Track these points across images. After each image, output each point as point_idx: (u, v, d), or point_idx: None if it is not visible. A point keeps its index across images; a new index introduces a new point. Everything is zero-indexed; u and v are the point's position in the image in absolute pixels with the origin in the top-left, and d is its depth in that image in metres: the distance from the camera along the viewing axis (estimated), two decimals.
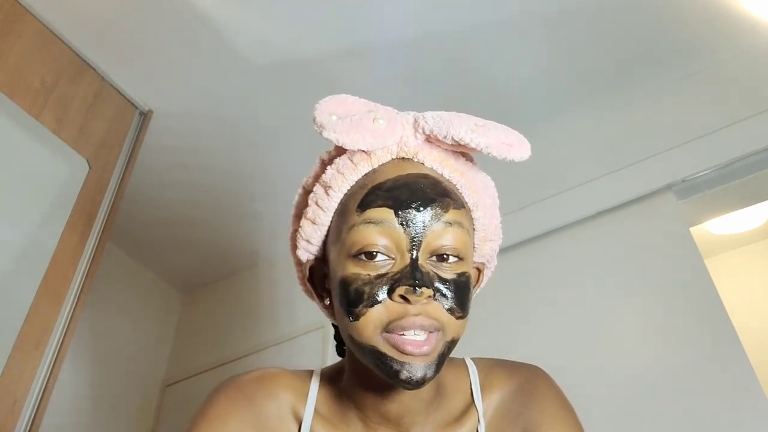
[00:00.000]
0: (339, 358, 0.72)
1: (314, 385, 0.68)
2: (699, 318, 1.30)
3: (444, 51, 1.53)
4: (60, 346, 1.27)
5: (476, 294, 0.70)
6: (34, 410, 1.19)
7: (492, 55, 1.55)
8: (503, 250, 1.60)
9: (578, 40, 1.52)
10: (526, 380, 0.69)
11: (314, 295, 0.69)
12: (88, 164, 1.45)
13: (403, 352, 0.55)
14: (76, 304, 1.33)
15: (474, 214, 0.65)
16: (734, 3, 1.43)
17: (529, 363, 0.73)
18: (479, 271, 0.70)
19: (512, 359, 0.74)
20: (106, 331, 1.91)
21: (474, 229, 0.65)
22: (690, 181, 1.48)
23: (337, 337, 0.77)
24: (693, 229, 1.47)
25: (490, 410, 0.67)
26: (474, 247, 0.66)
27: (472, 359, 0.72)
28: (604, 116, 1.70)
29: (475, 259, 0.68)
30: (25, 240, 1.26)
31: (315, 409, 0.66)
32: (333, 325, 0.76)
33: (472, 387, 0.68)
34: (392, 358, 0.55)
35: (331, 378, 0.69)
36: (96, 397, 1.82)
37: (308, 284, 0.69)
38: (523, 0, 1.42)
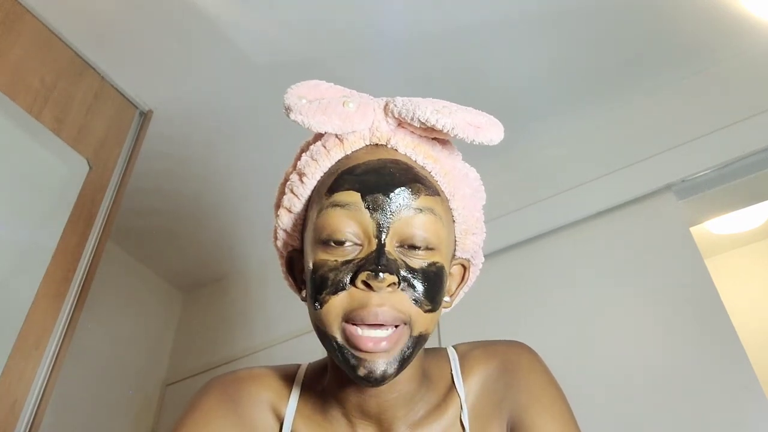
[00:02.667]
0: None
1: (297, 383, 0.68)
2: (699, 318, 1.30)
3: (444, 51, 1.53)
4: (60, 346, 1.27)
5: (464, 292, 0.69)
6: (34, 410, 1.19)
7: (492, 55, 1.55)
8: (504, 250, 1.63)
9: (578, 40, 1.52)
10: (508, 359, 0.67)
11: (295, 287, 0.68)
12: (88, 164, 1.45)
13: (359, 349, 0.53)
14: (77, 303, 1.33)
15: (452, 204, 0.62)
16: (734, 3, 1.43)
17: (511, 339, 0.71)
18: (465, 268, 0.67)
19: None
20: (106, 330, 1.91)
21: (453, 221, 0.63)
22: (690, 181, 1.48)
23: None
24: (693, 229, 1.47)
25: (471, 394, 0.65)
26: (456, 240, 0.64)
27: (453, 346, 0.71)
28: (603, 116, 1.70)
29: (459, 254, 0.66)
30: (25, 240, 1.26)
31: (297, 408, 0.66)
32: None
33: (453, 372, 0.67)
34: (349, 352, 0.54)
35: (316, 374, 0.68)
36: (96, 397, 1.82)
37: (290, 278, 0.68)
38: (523, 0, 1.42)
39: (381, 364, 0.53)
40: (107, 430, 1.84)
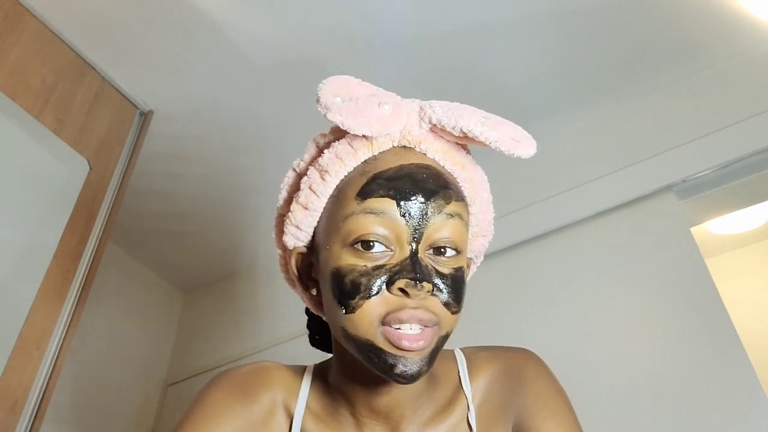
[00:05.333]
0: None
1: (306, 380, 0.68)
2: (700, 318, 1.30)
3: (444, 51, 1.53)
4: (61, 347, 1.27)
5: None
6: (35, 410, 1.19)
7: (492, 55, 1.55)
8: (504, 250, 1.63)
9: (578, 40, 1.52)
10: (515, 364, 0.67)
11: (297, 284, 0.68)
12: (89, 164, 1.45)
13: (399, 348, 0.54)
14: (77, 304, 1.33)
15: (471, 209, 0.64)
16: (734, 3, 1.43)
17: (518, 347, 0.71)
18: (467, 266, 0.68)
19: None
20: (107, 331, 1.91)
21: (469, 224, 0.64)
22: (690, 181, 1.48)
23: (310, 326, 0.76)
24: (693, 229, 1.47)
25: (478, 395, 0.66)
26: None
27: (461, 349, 0.72)
28: (604, 116, 1.70)
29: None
30: (25, 240, 1.26)
31: (306, 405, 0.66)
32: (306, 312, 0.75)
33: (460, 374, 0.67)
34: (387, 353, 0.54)
35: (322, 373, 0.68)
36: (96, 397, 1.82)
37: (292, 272, 0.67)
38: (523, 0, 1.42)
39: (416, 363, 0.54)
40: (108, 430, 1.84)
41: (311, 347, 0.79)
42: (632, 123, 1.64)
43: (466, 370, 0.68)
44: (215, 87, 1.63)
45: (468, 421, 0.64)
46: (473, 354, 0.70)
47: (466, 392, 0.66)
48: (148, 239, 2.07)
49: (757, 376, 1.19)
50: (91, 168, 1.45)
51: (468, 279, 0.69)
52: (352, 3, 1.42)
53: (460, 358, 0.69)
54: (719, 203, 1.56)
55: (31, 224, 1.29)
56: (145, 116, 1.67)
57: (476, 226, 0.66)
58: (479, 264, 0.71)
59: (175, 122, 1.71)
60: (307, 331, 0.78)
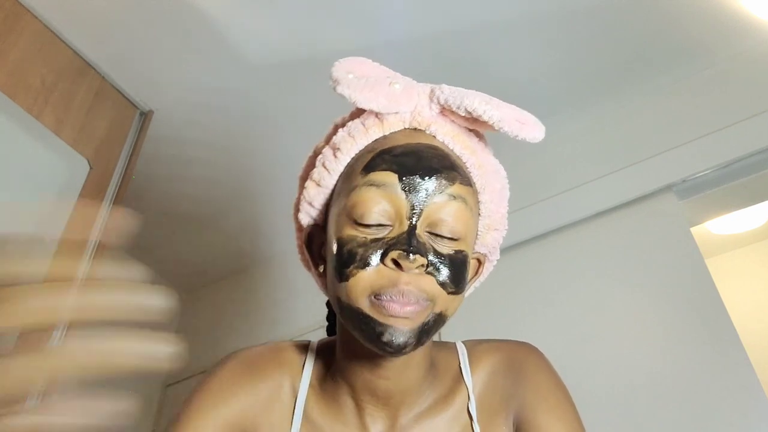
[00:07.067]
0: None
1: (310, 359, 0.68)
2: (700, 318, 1.30)
3: (444, 50, 1.53)
4: None
5: (475, 287, 0.69)
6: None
7: (492, 54, 1.55)
8: (504, 250, 1.59)
9: (578, 40, 1.52)
10: (515, 356, 0.67)
11: (310, 263, 0.68)
12: (89, 164, 1.45)
13: (387, 314, 0.53)
14: None
15: (481, 197, 0.63)
16: (734, 3, 1.43)
17: (519, 340, 0.71)
18: (480, 262, 0.68)
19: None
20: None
21: (479, 214, 0.63)
22: (690, 181, 1.48)
23: (330, 317, 0.77)
24: (693, 229, 1.48)
25: (479, 385, 0.66)
26: (477, 234, 0.64)
27: (463, 341, 0.72)
28: (604, 116, 1.70)
29: (477, 248, 0.66)
30: None
31: (309, 384, 0.66)
32: (327, 305, 0.76)
33: (461, 365, 0.67)
34: (375, 320, 0.54)
35: (325, 353, 0.69)
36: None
37: (306, 251, 0.67)
38: (523, 0, 1.42)
39: (403, 333, 0.54)
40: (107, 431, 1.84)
41: None
42: (632, 123, 1.64)
43: (467, 361, 0.68)
44: (215, 86, 1.63)
45: (468, 410, 0.64)
46: (474, 346, 0.70)
47: (466, 382, 0.66)
48: (147, 239, 2.06)
49: (757, 376, 1.19)
50: (91, 168, 1.45)
51: (484, 277, 0.69)
52: (352, 3, 1.42)
53: (462, 349, 0.70)
54: (719, 203, 1.56)
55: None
56: (145, 116, 1.67)
57: (488, 218, 0.64)
58: (495, 261, 0.70)
59: (175, 122, 1.70)
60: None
